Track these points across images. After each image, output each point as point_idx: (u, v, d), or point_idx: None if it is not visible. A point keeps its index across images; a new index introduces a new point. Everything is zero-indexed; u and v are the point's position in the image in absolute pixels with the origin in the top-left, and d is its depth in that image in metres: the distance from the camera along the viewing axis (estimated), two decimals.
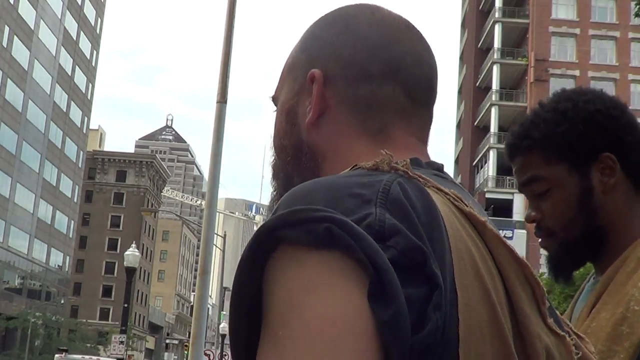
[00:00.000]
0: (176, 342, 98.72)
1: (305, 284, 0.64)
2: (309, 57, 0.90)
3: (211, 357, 31.57)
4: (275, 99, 0.96)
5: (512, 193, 44.99)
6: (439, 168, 0.86)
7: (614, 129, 1.39)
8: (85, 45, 74.62)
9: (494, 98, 50.47)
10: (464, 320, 0.68)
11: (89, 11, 75.31)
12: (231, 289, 0.69)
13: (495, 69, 50.90)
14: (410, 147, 0.86)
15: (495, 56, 51.07)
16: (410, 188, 0.73)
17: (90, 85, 77.47)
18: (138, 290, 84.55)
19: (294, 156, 0.89)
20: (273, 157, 0.95)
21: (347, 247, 0.63)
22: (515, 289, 0.75)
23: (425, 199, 0.72)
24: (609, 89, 49.24)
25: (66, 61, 69.54)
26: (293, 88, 0.91)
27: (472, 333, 0.68)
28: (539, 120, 1.42)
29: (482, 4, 56.59)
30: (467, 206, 0.77)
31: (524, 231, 38.39)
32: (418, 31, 0.92)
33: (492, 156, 48.89)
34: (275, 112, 0.95)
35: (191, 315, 7.81)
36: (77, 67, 72.63)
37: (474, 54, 55.98)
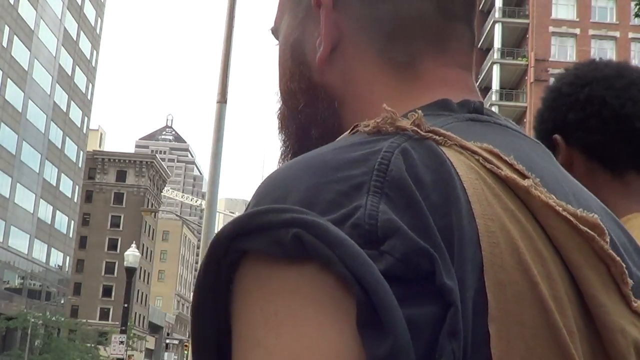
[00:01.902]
0: (176, 342, 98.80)
1: (268, 315, 0.50)
2: None
3: None
4: (275, 31, 0.79)
5: None
6: (476, 108, 0.67)
7: (560, 108, 1.34)
8: (85, 45, 74.60)
9: (494, 98, 50.48)
10: (498, 334, 0.52)
11: (89, 11, 75.31)
12: (190, 312, 0.56)
13: (495, 69, 50.93)
14: (447, 81, 0.69)
15: (495, 56, 51.10)
16: (419, 155, 0.56)
17: (90, 85, 77.46)
18: (138, 290, 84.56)
19: (307, 103, 0.72)
20: (279, 105, 0.77)
21: (323, 260, 0.49)
22: (581, 271, 0.57)
23: (440, 168, 0.56)
24: None
25: (66, 61, 69.53)
26: (296, 15, 0.74)
27: (512, 349, 0.52)
28: None
29: (482, 4, 56.57)
30: (508, 165, 0.59)
31: None
32: None
33: None
34: (278, 48, 0.77)
35: None
36: (77, 67, 72.61)
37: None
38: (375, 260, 0.49)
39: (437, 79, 0.68)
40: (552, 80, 1.43)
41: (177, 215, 45.04)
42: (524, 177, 0.59)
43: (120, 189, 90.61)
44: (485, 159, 0.59)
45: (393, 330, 0.47)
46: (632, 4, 20.46)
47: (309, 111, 0.72)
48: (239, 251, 0.52)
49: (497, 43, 51.25)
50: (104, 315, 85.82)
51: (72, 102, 71.75)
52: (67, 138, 71.28)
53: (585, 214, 0.58)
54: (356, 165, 0.54)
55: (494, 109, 50.83)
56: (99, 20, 78.84)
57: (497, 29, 51.61)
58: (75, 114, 73.45)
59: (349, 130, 0.63)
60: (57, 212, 69.91)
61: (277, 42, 0.79)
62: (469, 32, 0.72)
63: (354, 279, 0.48)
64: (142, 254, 77.94)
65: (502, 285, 0.53)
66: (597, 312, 0.56)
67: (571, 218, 0.57)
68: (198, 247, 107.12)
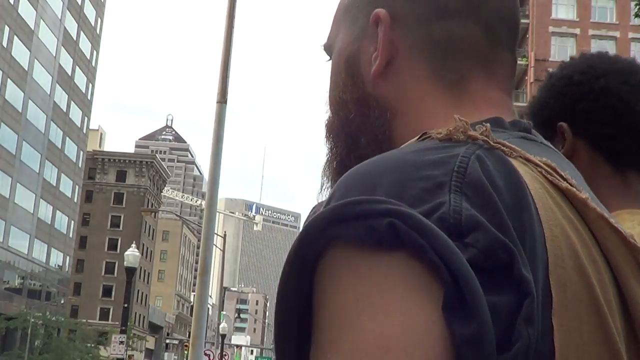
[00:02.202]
0: (176, 342, 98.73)
1: (360, 297, 0.53)
2: None
3: (211, 357, 31.58)
4: (328, 47, 0.84)
5: None
6: (526, 128, 0.72)
7: (571, 95, 1.31)
8: (85, 45, 74.58)
9: None
10: (560, 327, 0.57)
11: (89, 11, 75.29)
12: (276, 295, 0.59)
13: None
14: (493, 102, 0.74)
15: None
16: (491, 162, 0.61)
17: (90, 85, 77.44)
18: (138, 290, 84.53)
19: (358, 112, 0.77)
20: (328, 114, 0.82)
21: (415, 248, 0.53)
22: (628, 280, 0.62)
23: (511, 175, 0.60)
24: None
25: (66, 61, 69.51)
26: (352, 32, 0.79)
27: (570, 342, 0.57)
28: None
29: None
30: (563, 180, 0.65)
31: None
32: None
33: None
34: (331, 62, 0.83)
35: (191, 315, 7.83)
36: (77, 67, 72.59)
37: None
38: (460, 251, 0.53)
39: (485, 99, 0.73)
40: None
41: (177, 215, 44.99)
42: (579, 191, 0.64)
43: (120, 189, 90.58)
44: (547, 171, 0.64)
45: (479, 313, 0.51)
46: (632, 4, 20.49)
47: (359, 120, 0.77)
48: (330, 238, 0.55)
49: None
50: (104, 315, 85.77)
51: (72, 102, 71.72)
52: (67, 138, 71.25)
53: (625, 230, 0.65)
54: (436, 166, 0.59)
55: None
56: (99, 20, 78.81)
57: None
58: (75, 114, 73.42)
59: (417, 137, 0.67)
60: (57, 212, 69.89)
61: (327, 57, 0.84)
62: (512, 58, 0.77)
63: (444, 266, 0.52)
64: (142, 254, 77.88)
65: (564, 284, 0.58)
66: (639, 319, 0.61)
67: (622, 230, 0.63)
68: (198, 247, 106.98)
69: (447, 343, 0.51)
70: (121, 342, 22.54)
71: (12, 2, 57.49)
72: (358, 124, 0.77)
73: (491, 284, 0.53)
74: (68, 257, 74.50)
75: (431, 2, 0.75)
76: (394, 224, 0.53)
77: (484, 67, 0.74)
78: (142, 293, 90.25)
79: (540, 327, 0.55)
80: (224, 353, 34.97)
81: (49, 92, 65.75)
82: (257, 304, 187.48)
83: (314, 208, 2.19)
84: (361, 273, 0.54)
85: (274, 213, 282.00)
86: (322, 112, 0.83)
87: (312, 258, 0.56)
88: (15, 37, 58.46)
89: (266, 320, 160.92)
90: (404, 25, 0.75)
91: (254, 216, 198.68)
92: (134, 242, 27.93)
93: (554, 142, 1.28)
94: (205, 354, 28.87)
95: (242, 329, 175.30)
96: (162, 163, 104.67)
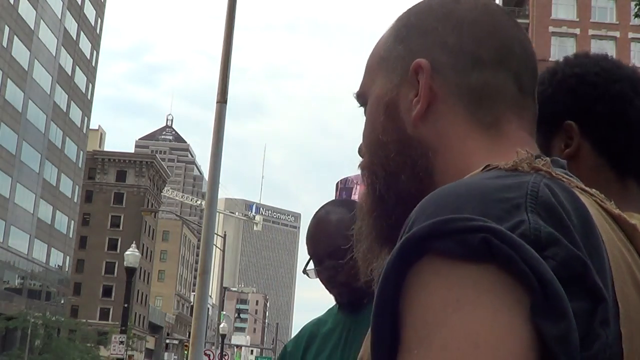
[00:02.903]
0: (176, 342, 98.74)
1: (449, 300, 0.59)
2: (407, 46, 0.85)
3: (211, 357, 31.63)
4: (361, 96, 0.90)
5: None
6: (563, 166, 0.78)
7: (584, 96, 1.29)
8: (85, 45, 74.63)
9: None
10: (626, 334, 0.64)
11: (89, 11, 75.34)
12: (374, 300, 0.64)
13: None
14: (525, 142, 0.79)
15: None
16: (557, 189, 0.67)
17: (90, 85, 77.49)
18: (138, 290, 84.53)
19: (399, 152, 0.83)
20: (365, 157, 0.88)
21: (506, 260, 0.59)
22: None
23: (575, 201, 0.67)
24: None
25: (66, 61, 69.55)
26: (391, 80, 0.85)
27: (633, 347, 0.65)
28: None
29: None
30: (615, 208, 0.74)
31: None
32: (514, 18, 0.87)
33: None
34: (368, 108, 0.88)
35: (191, 315, 7.83)
36: (77, 67, 72.65)
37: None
38: None
39: (519, 140, 0.79)
40: None
41: (177, 215, 45.06)
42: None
43: (120, 189, 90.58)
44: (600, 199, 0.73)
45: (565, 315, 0.58)
46: (632, 4, 20.47)
47: (399, 159, 0.82)
48: (425, 250, 0.61)
49: None
50: (104, 315, 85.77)
51: (72, 102, 71.75)
52: (67, 138, 71.28)
53: None
54: (511, 190, 0.65)
55: None
56: (99, 20, 78.87)
57: None
58: (75, 114, 73.45)
59: (480, 168, 0.73)
60: (57, 212, 69.90)
61: (358, 104, 0.91)
62: (534, 105, 0.84)
63: (532, 275, 0.58)
64: (142, 254, 77.76)
65: (626, 297, 0.66)
66: None
67: None
68: (198, 247, 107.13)
69: (533, 342, 0.57)
70: (121, 342, 22.54)
71: (12, 2, 57.51)
72: (398, 163, 0.82)
73: (569, 292, 0.59)
74: (68, 257, 74.52)
75: (467, 53, 0.81)
76: (487, 239, 0.59)
77: (515, 112, 0.81)
78: (142, 293, 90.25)
79: (612, 334, 0.62)
80: (224, 353, 35.02)
81: (49, 92, 65.77)
82: (257, 304, 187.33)
83: (318, 211, 2.16)
84: (451, 281, 0.59)
85: (274, 213, 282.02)
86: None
87: (405, 269, 0.61)
88: (15, 37, 58.49)
89: (266, 320, 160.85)
90: (443, 73, 0.81)
91: (254, 216, 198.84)
92: (134, 242, 27.91)
93: (556, 139, 1.28)
94: (205, 354, 28.89)
95: (242, 329, 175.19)
96: (162, 163, 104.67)
